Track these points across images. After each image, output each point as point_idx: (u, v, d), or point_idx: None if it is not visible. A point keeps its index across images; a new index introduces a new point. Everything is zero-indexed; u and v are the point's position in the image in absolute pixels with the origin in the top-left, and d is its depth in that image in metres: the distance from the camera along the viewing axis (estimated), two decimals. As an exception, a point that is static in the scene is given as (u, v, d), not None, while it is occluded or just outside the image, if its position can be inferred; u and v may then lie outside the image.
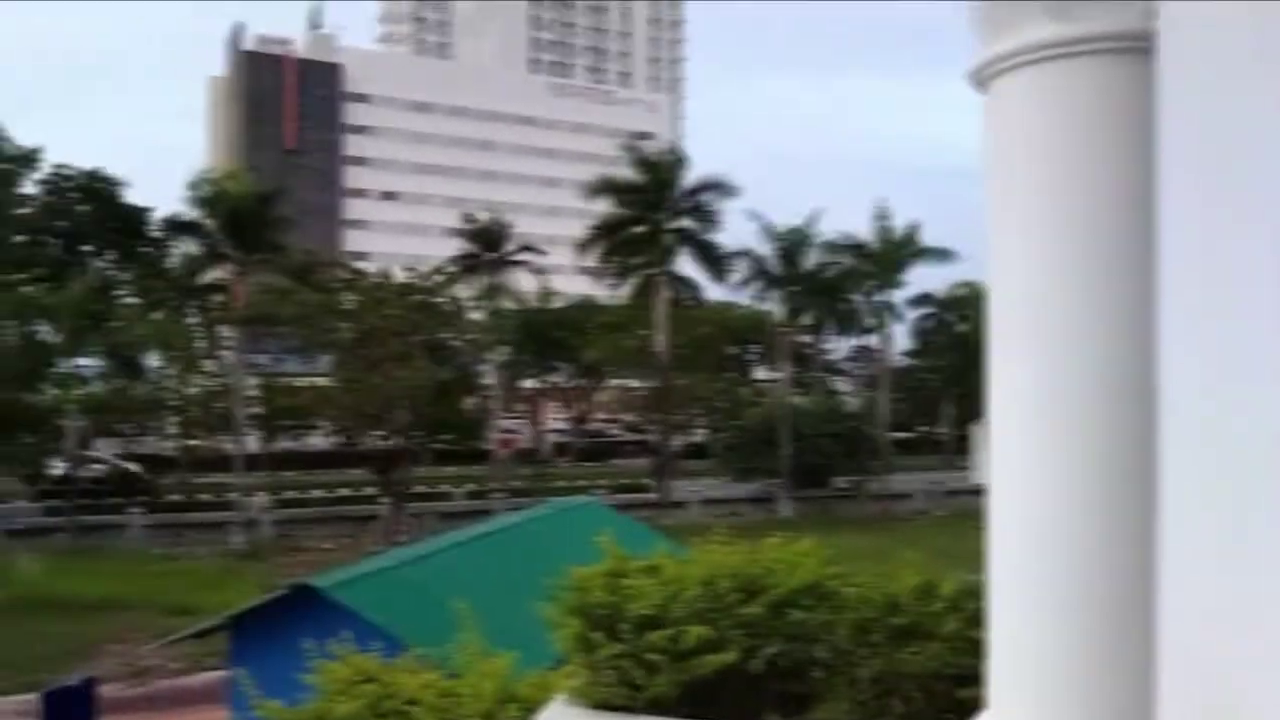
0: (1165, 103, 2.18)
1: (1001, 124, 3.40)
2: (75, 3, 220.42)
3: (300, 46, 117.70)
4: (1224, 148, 1.93)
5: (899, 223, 48.78)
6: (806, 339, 61.41)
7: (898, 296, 56.02)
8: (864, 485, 45.69)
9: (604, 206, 46.68)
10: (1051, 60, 3.22)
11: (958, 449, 62.07)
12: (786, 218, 47.86)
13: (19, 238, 61.02)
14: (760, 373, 71.24)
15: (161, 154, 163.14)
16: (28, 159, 65.27)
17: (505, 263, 56.76)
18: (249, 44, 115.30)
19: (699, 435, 66.27)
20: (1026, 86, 3.30)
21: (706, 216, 44.62)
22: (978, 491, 3.71)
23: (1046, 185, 3.30)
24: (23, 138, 56.28)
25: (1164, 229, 2.19)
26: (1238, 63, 1.88)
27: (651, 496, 43.94)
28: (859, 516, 43.27)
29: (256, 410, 47.08)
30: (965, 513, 42.91)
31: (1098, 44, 3.15)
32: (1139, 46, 2.94)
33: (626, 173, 44.51)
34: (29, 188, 65.42)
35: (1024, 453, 3.30)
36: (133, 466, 47.86)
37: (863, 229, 48.41)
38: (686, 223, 45.38)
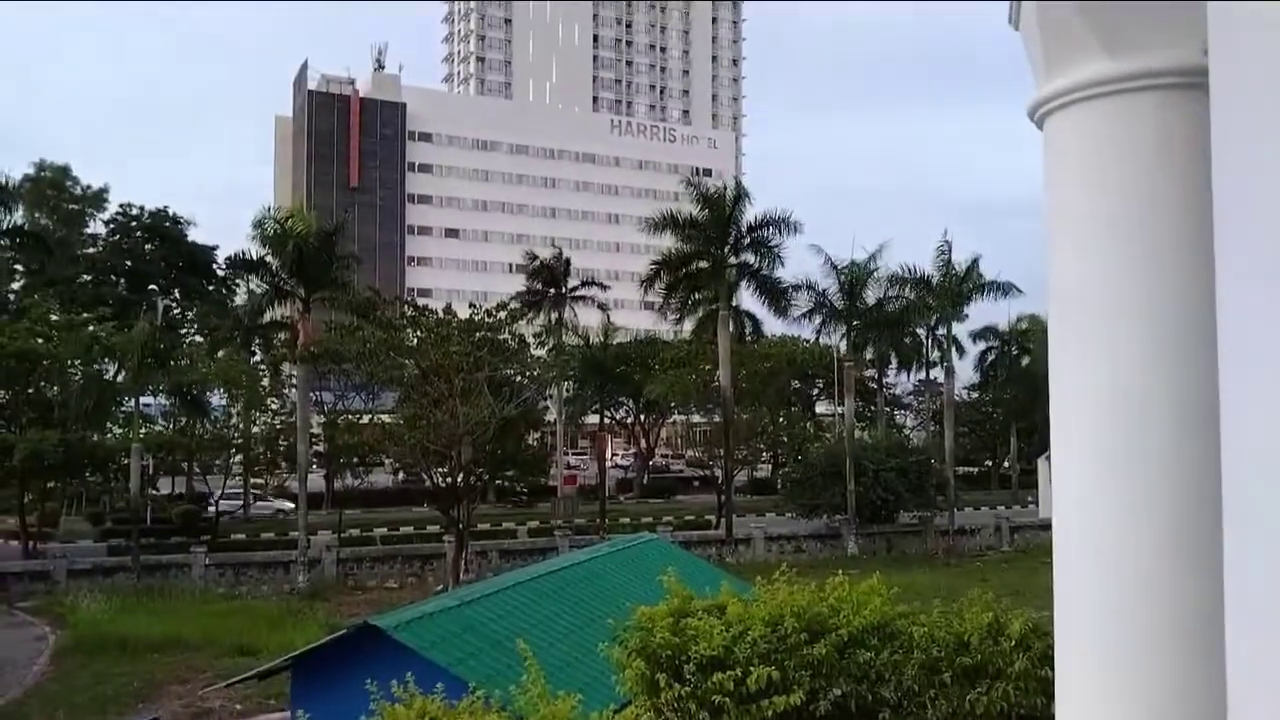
0: (1219, 136, 2.15)
1: (1060, 159, 3.43)
2: (142, 46, 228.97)
3: (364, 86, 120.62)
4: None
5: (962, 256, 48.27)
6: (870, 373, 60.81)
7: (960, 330, 55.40)
8: (930, 521, 44.83)
9: (666, 242, 46.83)
10: (1108, 96, 3.22)
11: (1024, 483, 60.88)
12: (849, 252, 47.70)
13: (86, 277, 63.18)
14: (824, 407, 70.65)
15: (229, 194, 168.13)
16: (95, 199, 67.73)
17: (568, 298, 57.21)
18: (314, 84, 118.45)
19: (763, 470, 65.85)
20: (1083, 122, 3.32)
21: (768, 251, 44.48)
22: (1045, 526, 3.65)
23: (1105, 219, 3.32)
24: (92, 178, 57.91)
25: (1221, 260, 2.16)
26: None
27: (716, 533, 43.56)
28: (926, 553, 42.43)
29: (320, 448, 47.76)
30: (1033, 548, 42.05)
31: (1154, 80, 3.16)
32: (1195, 82, 2.93)
33: (688, 208, 44.63)
34: (96, 227, 67.85)
35: (1086, 485, 3.32)
36: (287, 505, 48.95)
37: (925, 263, 48.00)
38: (748, 258, 45.33)
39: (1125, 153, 3.28)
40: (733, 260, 45.10)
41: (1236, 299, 2.10)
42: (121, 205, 67.40)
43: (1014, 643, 5.78)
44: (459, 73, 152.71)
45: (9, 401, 42.50)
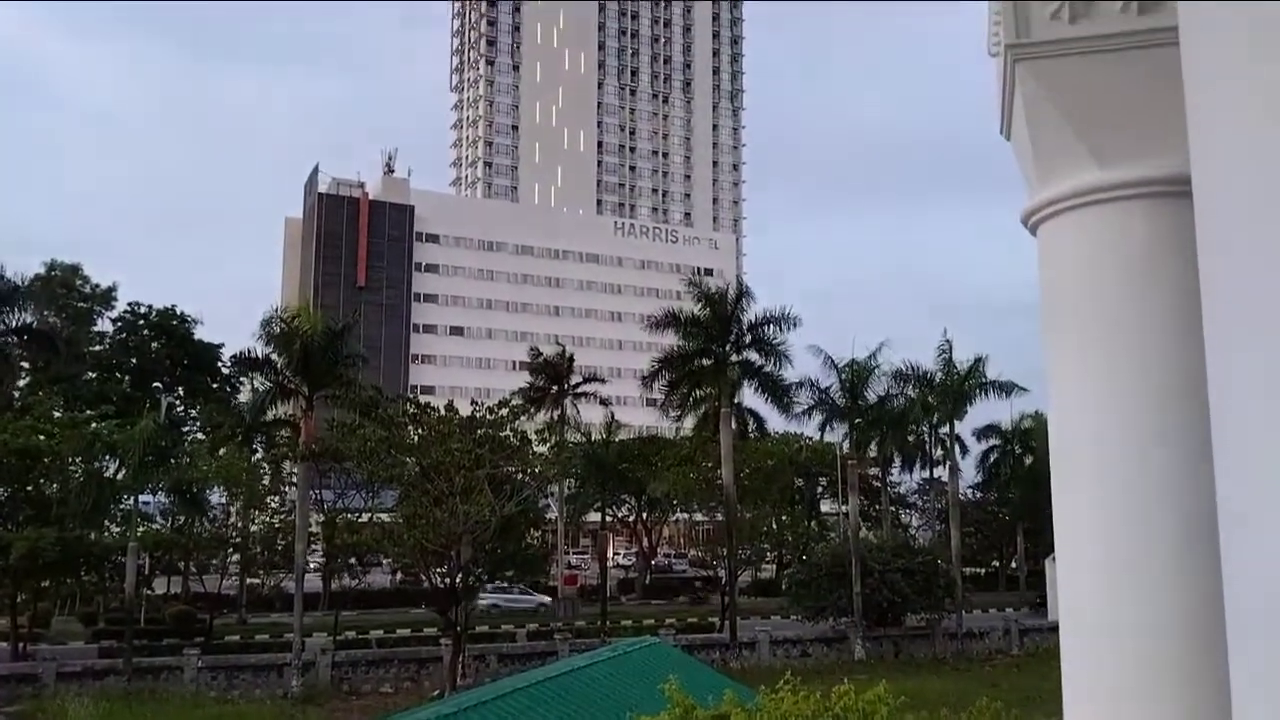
0: (1204, 246, 2.19)
1: (1053, 266, 3.48)
2: (156, 148, 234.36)
3: (374, 189, 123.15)
4: (1264, 282, 1.93)
5: (965, 354, 48.55)
6: (874, 471, 60.48)
7: (964, 429, 55.30)
8: (938, 624, 43.99)
9: (669, 339, 47.17)
10: (1099, 204, 3.27)
11: (1032, 584, 59.95)
12: (850, 350, 48.00)
13: (91, 374, 63.48)
14: (828, 506, 70.05)
15: (236, 292, 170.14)
16: (104, 298, 68.53)
17: (571, 395, 57.26)
18: (325, 186, 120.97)
19: (768, 571, 64.95)
20: (1075, 230, 3.37)
21: (770, 349, 44.74)
22: (1055, 629, 3.60)
23: (1099, 325, 3.33)
24: (102, 276, 58.78)
25: (1212, 369, 2.17)
26: (1270, 198, 1.89)
27: (720, 636, 42.71)
28: (934, 657, 41.53)
29: (318, 547, 47.23)
30: (1043, 651, 41.16)
31: (1145, 188, 3.21)
32: (1186, 190, 2.99)
33: (690, 307, 45.06)
34: (104, 325, 68.47)
35: (1093, 587, 3.23)
36: (545, 598, 47.41)
37: (927, 361, 48.25)
38: (750, 355, 45.56)
39: (1118, 260, 3.31)
40: (734, 358, 45.30)
41: (1226, 404, 2.10)
42: (130, 304, 68.14)
43: (1025, 756, 5.60)
44: (467, 176, 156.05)
45: (7, 499, 42.23)
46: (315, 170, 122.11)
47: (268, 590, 48.87)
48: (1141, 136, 3.19)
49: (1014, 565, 68.11)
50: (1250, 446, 2.01)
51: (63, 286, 66.52)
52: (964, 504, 57.43)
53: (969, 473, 64.28)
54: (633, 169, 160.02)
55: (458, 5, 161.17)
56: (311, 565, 45.46)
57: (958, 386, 46.96)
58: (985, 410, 54.48)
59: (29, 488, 41.59)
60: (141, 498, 40.38)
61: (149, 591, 46.66)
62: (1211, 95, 2.06)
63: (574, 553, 73.68)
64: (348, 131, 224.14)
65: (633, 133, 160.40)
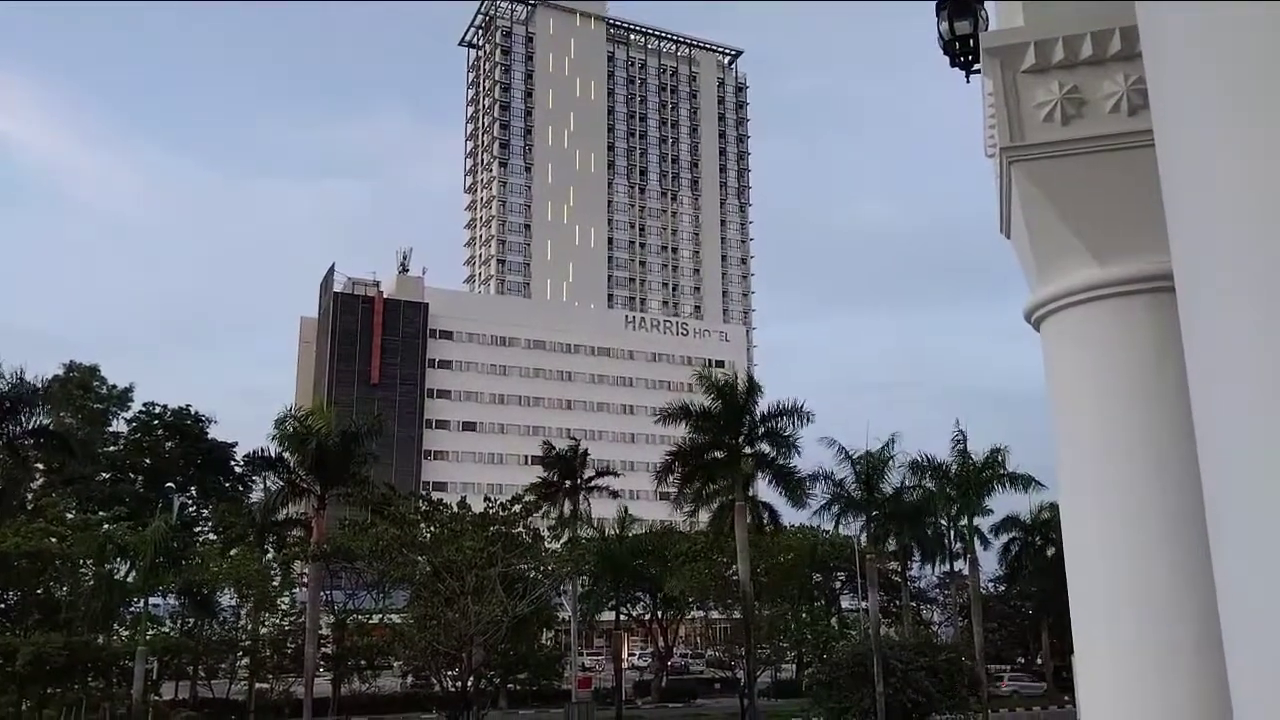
0: (1189, 342, 2.20)
1: (1058, 360, 3.50)
2: (175, 254, 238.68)
3: (389, 287, 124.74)
4: (1248, 375, 1.93)
5: (981, 446, 48.24)
6: (893, 566, 59.51)
7: (983, 522, 54.56)
8: (966, 726, 42.74)
9: (681, 432, 47.04)
10: (1099, 300, 3.30)
11: (1058, 682, 58.31)
12: (864, 443, 47.65)
13: (104, 475, 63.52)
14: (847, 602, 68.76)
15: (250, 392, 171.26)
16: (120, 398, 69.02)
17: (583, 489, 56.88)
18: (340, 286, 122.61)
19: (787, 670, 63.45)
20: (1077, 324, 3.41)
21: (783, 441, 44.52)
22: None
23: (1104, 417, 3.35)
24: (118, 377, 59.11)
25: (1203, 459, 2.17)
26: (1248, 299, 1.91)
27: (738, 740, 41.56)
28: (961, 759, 40.23)
29: (329, 650, 46.48)
30: (1077, 753, 39.66)
31: (1143, 284, 3.25)
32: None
33: (701, 399, 45.04)
34: (119, 425, 68.80)
35: (1115, 683, 3.16)
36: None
37: (943, 454, 47.92)
38: (763, 447, 45.32)
39: (1120, 354, 3.32)
40: (747, 450, 45.06)
41: (1218, 492, 2.09)
42: (145, 404, 68.58)
43: None
44: (480, 274, 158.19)
45: (17, 602, 41.84)
46: (331, 270, 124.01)
47: (277, 695, 47.90)
48: (1138, 234, 3.23)
49: (1039, 662, 66.41)
50: (1244, 530, 2.00)
51: (80, 388, 67.12)
52: (986, 598, 56.35)
53: (990, 566, 63.24)
54: (643, 264, 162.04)
55: (471, 108, 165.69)
56: (321, 668, 44.66)
57: (975, 477, 46.50)
58: (1005, 503, 54.03)
59: (39, 590, 41.26)
60: (151, 600, 39.96)
61: (157, 697, 45.79)
62: (1187, 198, 2.09)
63: (588, 654, 72.30)
64: (364, 234, 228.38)
65: (643, 229, 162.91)
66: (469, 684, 34.04)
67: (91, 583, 39.79)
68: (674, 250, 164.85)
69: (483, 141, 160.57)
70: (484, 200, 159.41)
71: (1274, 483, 1.87)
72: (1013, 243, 3.69)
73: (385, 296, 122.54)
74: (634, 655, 75.83)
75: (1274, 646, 1.91)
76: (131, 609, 40.49)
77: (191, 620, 44.60)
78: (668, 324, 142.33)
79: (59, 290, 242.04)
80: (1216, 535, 2.13)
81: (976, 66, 3.64)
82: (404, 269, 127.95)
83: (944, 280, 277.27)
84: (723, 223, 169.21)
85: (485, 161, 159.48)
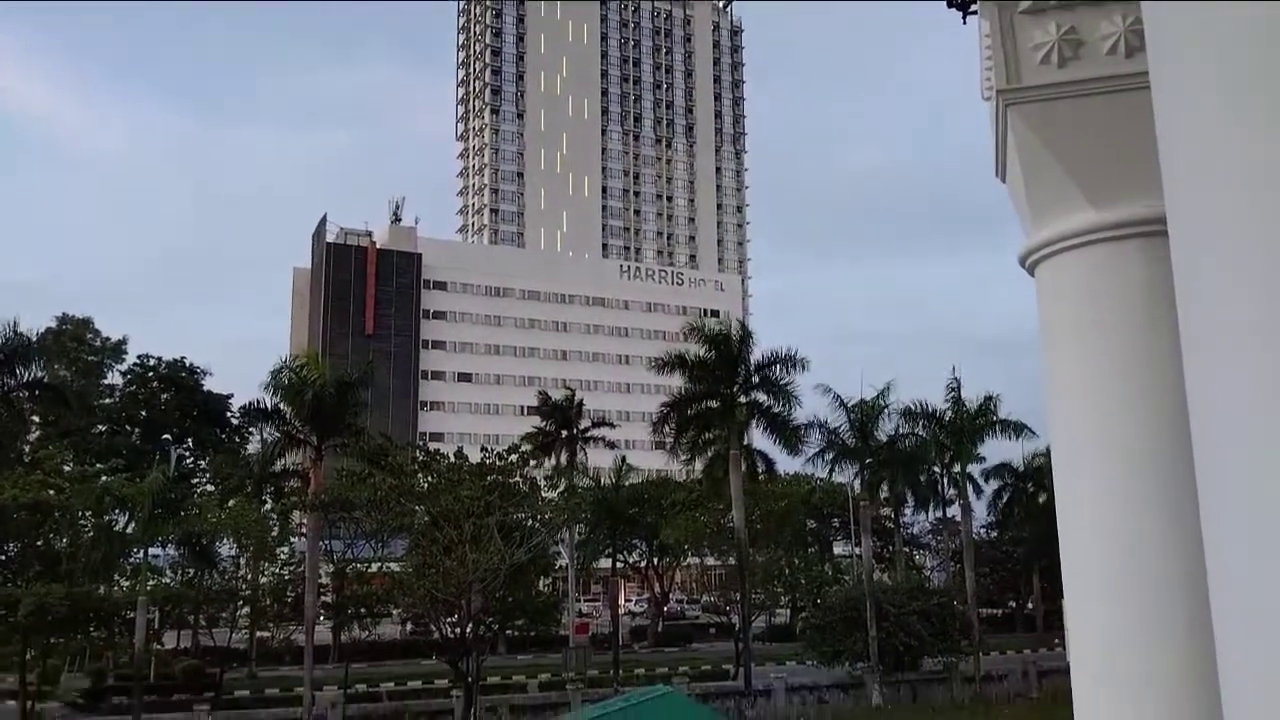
0: (1181, 286, 2.20)
1: (1052, 304, 3.49)
2: (166, 204, 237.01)
3: (381, 238, 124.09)
4: (1235, 315, 1.93)
5: (976, 392, 48.48)
6: (886, 512, 60.05)
7: (976, 469, 54.97)
8: (955, 667, 43.39)
9: (676, 381, 47.15)
10: (1094, 244, 3.28)
11: (1049, 624, 59.22)
12: (859, 391, 47.87)
13: (101, 427, 63.62)
14: (841, 547, 69.50)
15: (244, 344, 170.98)
16: (114, 351, 68.95)
17: (580, 439, 57.12)
18: (332, 236, 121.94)
19: (782, 615, 64.30)
20: (1072, 269, 3.40)
21: (777, 390, 44.63)
22: None
23: (1098, 361, 3.33)
24: (111, 329, 58.73)
25: (1193, 409, 2.17)
26: (1242, 238, 1.90)
27: (734, 684, 42.15)
28: (953, 701, 40.92)
29: (328, 599, 46.95)
30: (1064, 693, 40.30)
31: (1138, 228, 3.22)
32: None
33: (696, 349, 45.07)
34: (113, 378, 68.79)
35: (1102, 624, 3.21)
36: None
37: (938, 400, 48.09)
38: (759, 396, 45.45)
39: (1114, 298, 3.31)
40: (742, 399, 45.20)
41: (1207, 434, 2.10)
42: (139, 356, 68.55)
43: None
44: (473, 223, 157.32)
45: (17, 554, 42.12)
46: (323, 221, 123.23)
47: (277, 643, 48.51)
48: (1133, 177, 3.20)
49: (1031, 606, 67.37)
50: (1229, 464, 2.01)
51: (74, 340, 66.99)
52: (978, 544, 56.94)
53: (982, 512, 63.85)
54: (637, 213, 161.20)
55: (462, 54, 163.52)
56: (321, 617, 45.14)
57: (968, 424, 46.76)
58: (998, 450, 54.36)
59: (39, 542, 41.50)
60: (151, 551, 40.22)
61: (159, 646, 46.31)
62: (1183, 141, 2.07)
63: (585, 600, 73.17)
64: (355, 183, 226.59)
65: (637, 177, 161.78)
66: (468, 630, 34.42)
67: (91, 534, 40.02)
68: (668, 199, 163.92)
69: (474, 88, 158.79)
70: (476, 148, 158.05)
71: (1264, 428, 1.87)
72: (1008, 187, 3.66)
73: (378, 247, 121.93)
74: (630, 601, 76.77)
75: (1261, 581, 1.93)
76: (131, 560, 40.79)
77: (191, 570, 44.97)
78: (663, 274, 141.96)
79: (47, 242, 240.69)
80: (1205, 478, 2.14)
81: (974, 7, 3.58)
82: (396, 219, 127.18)
83: (942, 227, 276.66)
84: (718, 170, 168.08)
85: (477, 109, 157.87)
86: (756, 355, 44.90)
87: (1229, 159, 1.90)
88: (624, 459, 56.79)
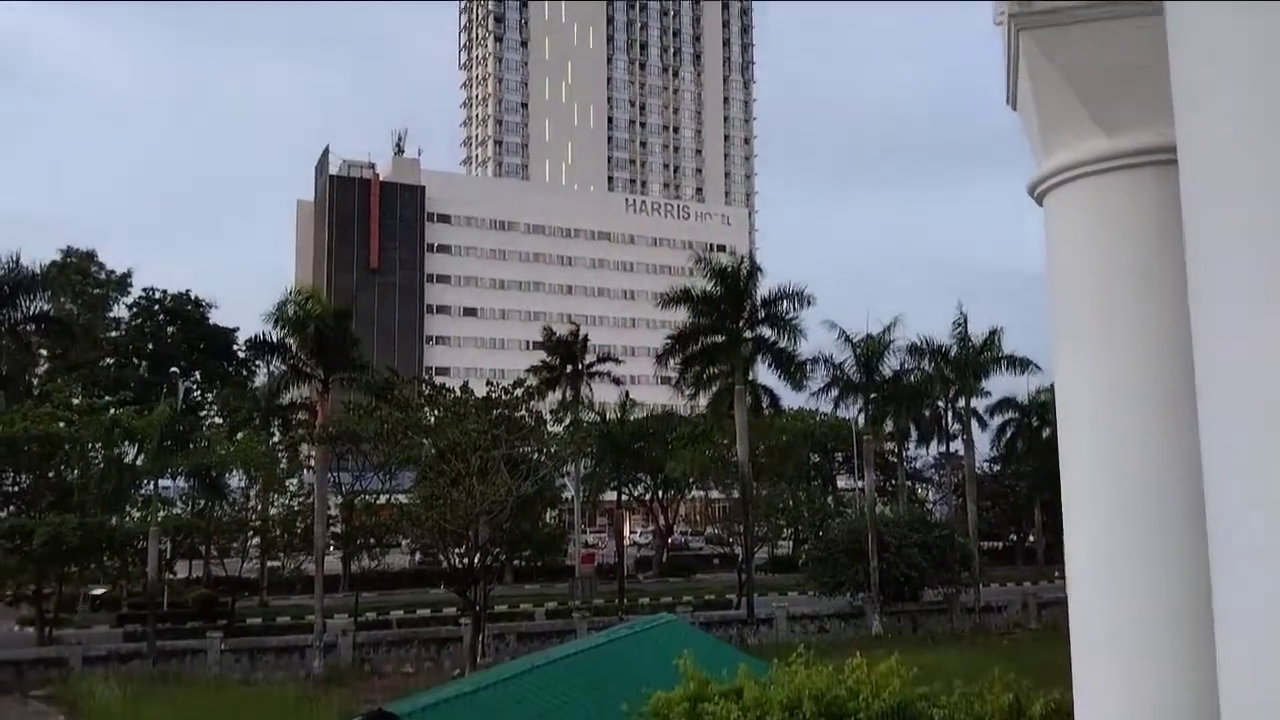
0: (1188, 209, 2.18)
1: (1060, 235, 3.45)
2: (166, 136, 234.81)
3: (385, 170, 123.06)
4: (1246, 249, 1.92)
5: (981, 327, 48.31)
6: (890, 447, 60.38)
7: (980, 404, 55.08)
8: (955, 598, 44.01)
9: (681, 316, 47.06)
10: (1106, 173, 3.24)
11: (1050, 558, 59.88)
12: (865, 326, 47.78)
13: (108, 360, 63.87)
14: (844, 481, 70.06)
15: (249, 277, 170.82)
16: (120, 284, 68.92)
17: (585, 374, 57.28)
18: (335, 169, 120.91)
19: (784, 547, 65.07)
20: (1082, 198, 3.34)
21: (783, 325, 44.56)
22: None
23: (1107, 293, 3.30)
24: (116, 263, 58.60)
25: (1197, 339, 2.17)
26: (1253, 168, 1.88)
27: (737, 613, 42.84)
28: (952, 631, 41.55)
29: (337, 530, 47.56)
30: (1062, 624, 40.83)
31: (1152, 156, 3.17)
32: None
33: (702, 283, 44.91)
34: (119, 311, 68.87)
35: (1099, 557, 3.24)
36: None
37: (943, 336, 48.02)
38: (764, 331, 45.40)
39: (1126, 228, 3.28)
40: (748, 334, 45.16)
41: (1211, 369, 2.10)
42: (145, 289, 68.55)
43: (1037, 727, 5.63)
44: (477, 156, 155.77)
45: (30, 485, 42.65)
46: (326, 152, 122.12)
47: (288, 573, 49.28)
48: (1147, 103, 3.16)
49: (1031, 538, 68.04)
50: (1232, 412, 2.02)
51: (78, 273, 66.93)
52: (980, 478, 57.33)
53: (985, 447, 64.14)
54: (643, 144, 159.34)
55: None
56: (331, 547, 45.76)
57: (973, 359, 46.74)
58: (1002, 385, 54.35)
59: (50, 474, 41.99)
60: (161, 482, 40.67)
61: (171, 576, 47.09)
62: (1197, 66, 2.05)
63: (591, 532, 74.00)
64: (357, 114, 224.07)
65: (643, 108, 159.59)
66: (476, 560, 34.91)
67: (101, 466, 40.44)
68: (675, 130, 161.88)
69: (477, 16, 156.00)
70: (479, 78, 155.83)
71: (1267, 364, 1.88)
72: (1019, 114, 3.62)
73: (381, 179, 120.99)
74: (635, 533, 77.67)
75: (1256, 514, 1.95)
76: (142, 491, 41.28)
77: (201, 502, 45.53)
78: (669, 207, 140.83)
79: (46, 175, 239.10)
80: (1207, 414, 2.15)
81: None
82: (399, 150, 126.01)
83: (953, 159, 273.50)
84: (725, 101, 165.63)
85: (480, 37, 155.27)
86: (763, 290, 44.77)
87: (1242, 85, 1.89)
88: (628, 394, 57.02)
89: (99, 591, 42.91)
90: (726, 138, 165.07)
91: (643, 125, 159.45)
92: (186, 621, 41.31)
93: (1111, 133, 3.26)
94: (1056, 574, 56.28)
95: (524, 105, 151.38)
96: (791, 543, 64.77)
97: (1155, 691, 3.09)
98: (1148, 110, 3.17)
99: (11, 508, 43.20)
